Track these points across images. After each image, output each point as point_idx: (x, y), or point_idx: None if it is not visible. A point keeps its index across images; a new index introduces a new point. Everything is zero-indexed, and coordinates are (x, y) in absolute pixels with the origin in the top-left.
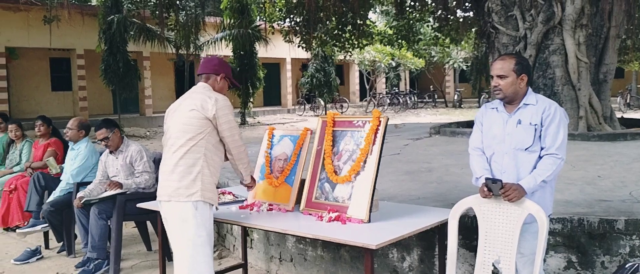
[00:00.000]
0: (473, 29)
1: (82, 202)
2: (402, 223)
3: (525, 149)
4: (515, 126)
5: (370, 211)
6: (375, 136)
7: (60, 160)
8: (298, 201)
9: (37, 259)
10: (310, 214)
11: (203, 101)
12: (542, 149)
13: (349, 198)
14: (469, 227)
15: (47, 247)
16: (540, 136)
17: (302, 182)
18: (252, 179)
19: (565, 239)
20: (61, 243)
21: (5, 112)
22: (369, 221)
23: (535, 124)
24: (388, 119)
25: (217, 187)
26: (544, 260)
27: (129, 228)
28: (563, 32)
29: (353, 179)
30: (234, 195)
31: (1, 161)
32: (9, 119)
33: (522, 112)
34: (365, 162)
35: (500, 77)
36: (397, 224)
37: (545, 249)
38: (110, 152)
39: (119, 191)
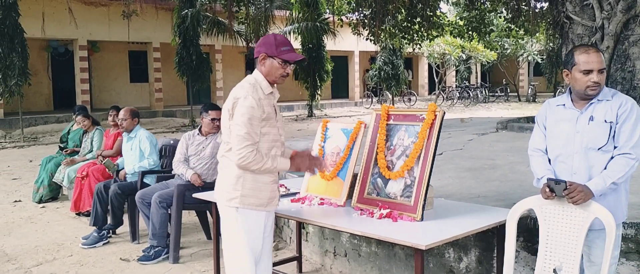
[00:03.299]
0: (547, 20)
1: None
2: (457, 223)
3: (598, 149)
4: (587, 123)
5: (424, 209)
6: (431, 131)
7: None
8: (350, 195)
9: (103, 244)
10: (361, 209)
11: (232, 96)
12: (615, 148)
13: (402, 195)
14: (530, 229)
15: (114, 233)
16: (614, 135)
17: (355, 176)
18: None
19: (638, 245)
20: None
21: (82, 104)
22: (422, 219)
23: (611, 121)
24: (444, 112)
25: None
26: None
27: (191, 216)
28: None
29: (406, 175)
30: (286, 188)
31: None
32: (89, 116)
33: (595, 108)
34: (419, 157)
35: (601, 71)
36: (452, 224)
37: (617, 257)
38: (199, 132)
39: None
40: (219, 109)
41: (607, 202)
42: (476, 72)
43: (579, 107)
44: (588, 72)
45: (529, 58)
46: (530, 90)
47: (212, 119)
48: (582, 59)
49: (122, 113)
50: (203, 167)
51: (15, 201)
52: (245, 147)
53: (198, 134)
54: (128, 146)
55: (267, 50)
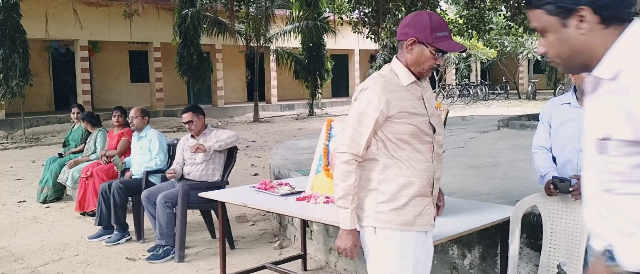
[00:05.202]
0: None
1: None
2: (461, 220)
3: None
4: None
5: None
6: None
7: None
8: None
9: (127, 240)
10: None
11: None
12: None
13: None
14: (534, 225)
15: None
16: None
17: None
18: None
19: None
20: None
21: (82, 104)
22: None
23: None
24: (448, 111)
25: (277, 178)
26: None
27: (195, 216)
28: None
29: None
30: (291, 186)
31: (75, 147)
32: (84, 110)
33: None
34: None
35: None
36: (456, 221)
37: None
38: (192, 136)
39: (187, 169)
40: (193, 110)
41: None
42: (476, 70)
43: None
44: None
45: (529, 56)
46: (530, 87)
47: (186, 122)
48: None
49: (132, 112)
50: (199, 170)
51: (20, 202)
52: (341, 154)
53: (191, 137)
54: (138, 146)
55: (419, 35)
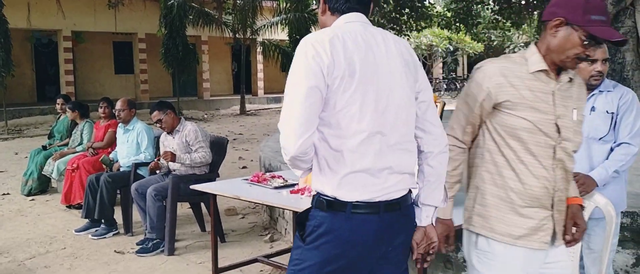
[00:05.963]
0: (535, 12)
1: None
2: (456, 212)
3: (599, 139)
4: (589, 113)
5: None
6: None
7: None
8: None
9: (113, 234)
10: None
11: None
12: (615, 140)
13: None
14: None
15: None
16: (614, 125)
17: None
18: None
19: (634, 234)
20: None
21: (68, 95)
22: None
23: (612, 112)
24: (445, 103)
25: (268, 171)
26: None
27: (184, 209)
28: (635, 14)
29: None
30: (284, 179)
31: (60, 140)
32: (70, 101)
33: (596, 99)
34: None
35: (605, 62)
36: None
37: (616, 245)
38: (168, 132)
39: (173, 165)
40: (159, 108)
41: (608, 193)
42: (463, 64)
43: None
44: (592, 61)
45: (516, 50)
46: None
47: (156, 121)
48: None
49: (119, 104)
50: (182, 166)
51: (4, 194)
52: (448, 137)
53: (167, 134)
54: (124, 138)
55: (568, 15)
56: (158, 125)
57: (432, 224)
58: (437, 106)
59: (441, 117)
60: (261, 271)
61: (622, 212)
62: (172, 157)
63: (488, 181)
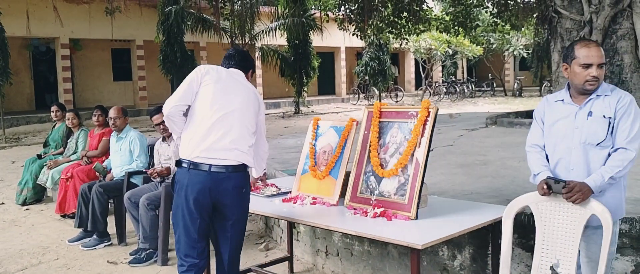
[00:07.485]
0: (534, 15)
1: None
2: (452, 221)
3: (597, 144)
4: (586, 118)
5: (418, 207)
6: (424, 128)
7: None
8: (342, 194)
9: (105, 246)
10: (354, 209)
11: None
12: (612, 145)
13: (396, 193)
14: (525, 225)
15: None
16: (612, 130)
17: (347, 175)
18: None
19: (633, 241)
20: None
21: (64, 103)
22: (417, 217)
23: (609, 117)
24: (438, 109)
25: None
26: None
27: None
28: (633, 16)
29: (400, 173)
30: (277, 187)
31: (55, 148)
32: (65, 109)
33: (593, 104)
34: (413, 155)
35: (601, 66)
36: (447, 222)
37: (614, 253)
38: (163, 139)
39: (166, 181)
40: (161, 113)
41: (606, 200)
42: (462, 67)
43: (578, 103)
44: (588, 66)
45: (515, 53)
46: (516, 84)
47: (157, 124)
48: (582, 53)
49: (113, 112)
50: None
51: None
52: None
53: (162, 141)
54: (117, 146)
55: None
56: (157, 129)
57: None
58: (430, 112)
59: (435, 122)
60: None
61: (620, 218)
62: (167, 171)
63: None
